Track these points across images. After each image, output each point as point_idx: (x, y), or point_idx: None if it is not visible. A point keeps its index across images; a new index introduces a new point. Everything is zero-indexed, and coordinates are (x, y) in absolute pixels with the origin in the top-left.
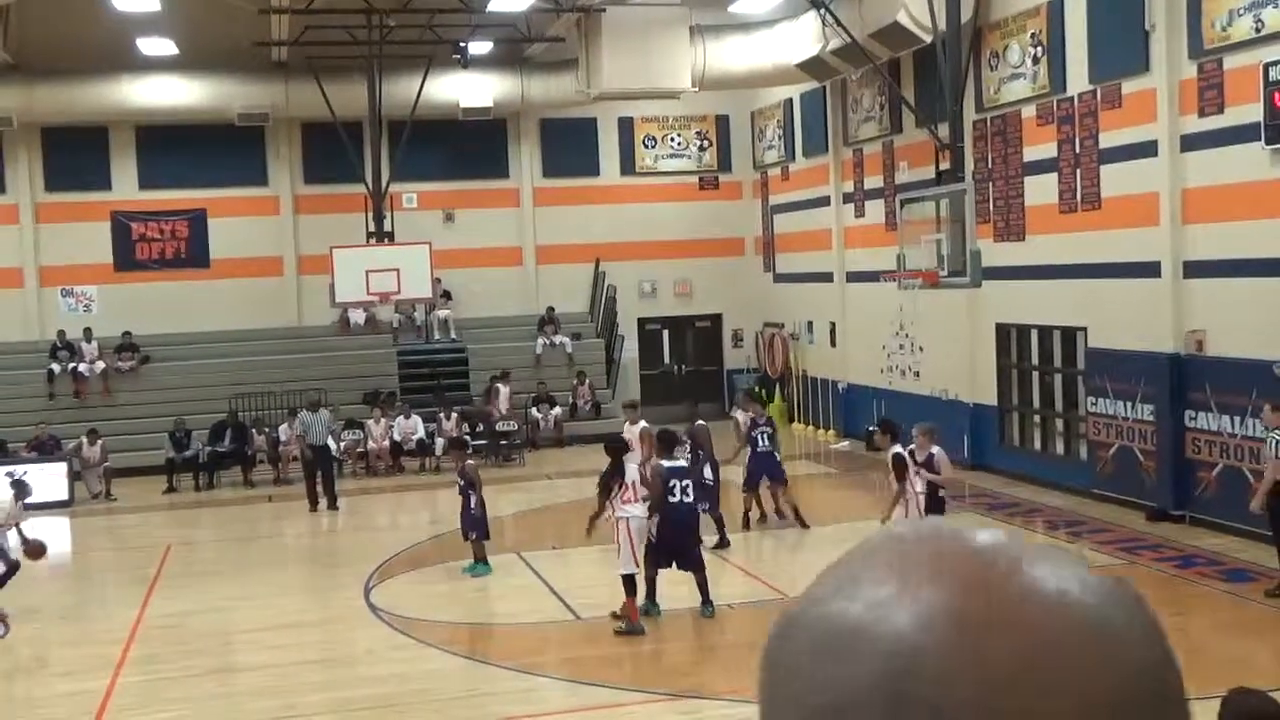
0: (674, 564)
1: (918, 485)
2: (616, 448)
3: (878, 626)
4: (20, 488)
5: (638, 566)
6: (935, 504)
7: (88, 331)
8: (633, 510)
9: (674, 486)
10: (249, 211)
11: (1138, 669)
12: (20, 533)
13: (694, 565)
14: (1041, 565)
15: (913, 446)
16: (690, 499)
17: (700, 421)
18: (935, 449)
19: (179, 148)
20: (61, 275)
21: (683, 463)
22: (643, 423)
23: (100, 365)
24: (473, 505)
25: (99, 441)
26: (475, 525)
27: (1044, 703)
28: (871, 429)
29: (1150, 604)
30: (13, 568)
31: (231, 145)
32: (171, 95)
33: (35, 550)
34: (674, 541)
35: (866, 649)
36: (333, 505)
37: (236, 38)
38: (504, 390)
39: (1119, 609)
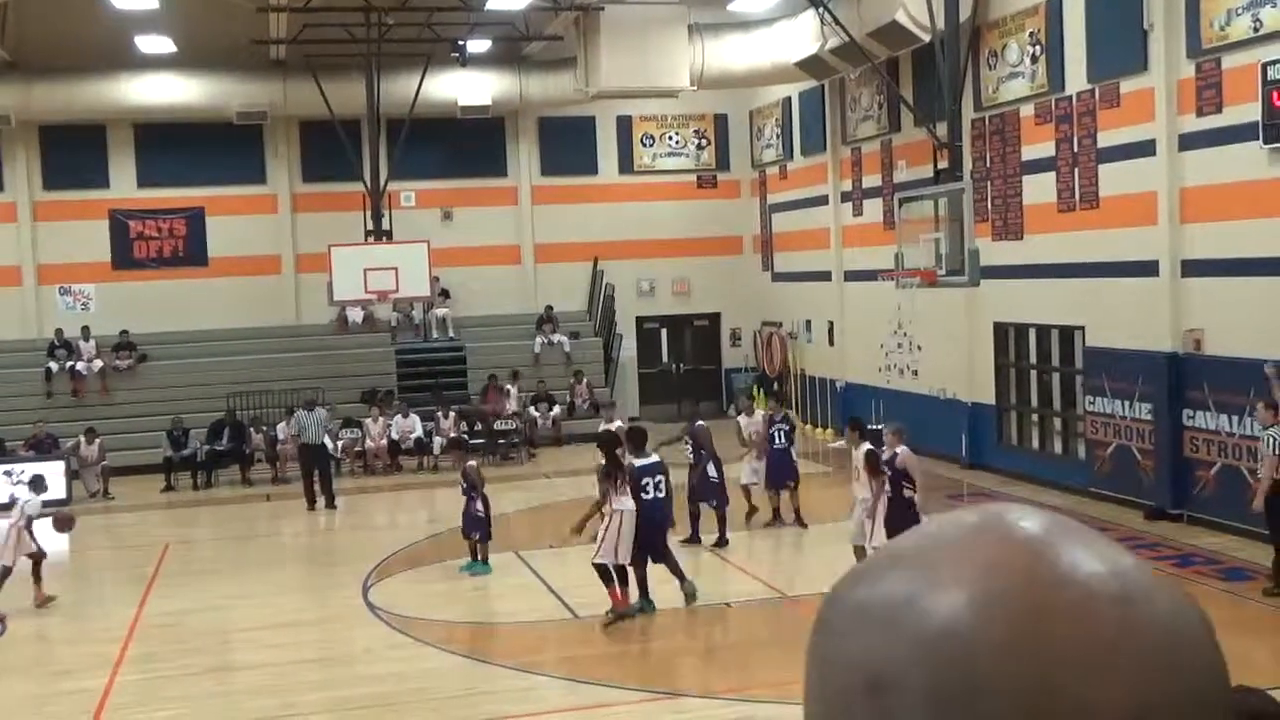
0: (649, 559)
1: (887, 486)
2: (609, 440)
3: (923, 603)
4: (38, 483)
5: (614, 558)
6: (900, 505)
7: (85, 330)
8: (628, 504)
9: (646, 484)
10: (247, 210)
11: (1194, 669)
12: (30, 532)
13: (664, 556)
14: (1103, 559)
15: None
16: (662, 494)
17: (700, 422)
18: (900, 449)
19: (177, 146)
20: (59, 274)
21: (654, 459)
22: (618, 421)
23: (98, 364)
24: (476, 506)
25: (97, 440)
26: (476, 525)
27: (1097, 693)
28: (867, 427)
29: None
30: (3, 572)
31: (229, 144)
32: (170, 93)
33: (63, 521)
34: (648, 537)
35: (911, 625)
36: (330, 504)
37: (235, 36)
38: (513, 391)
39: (1179, 609)
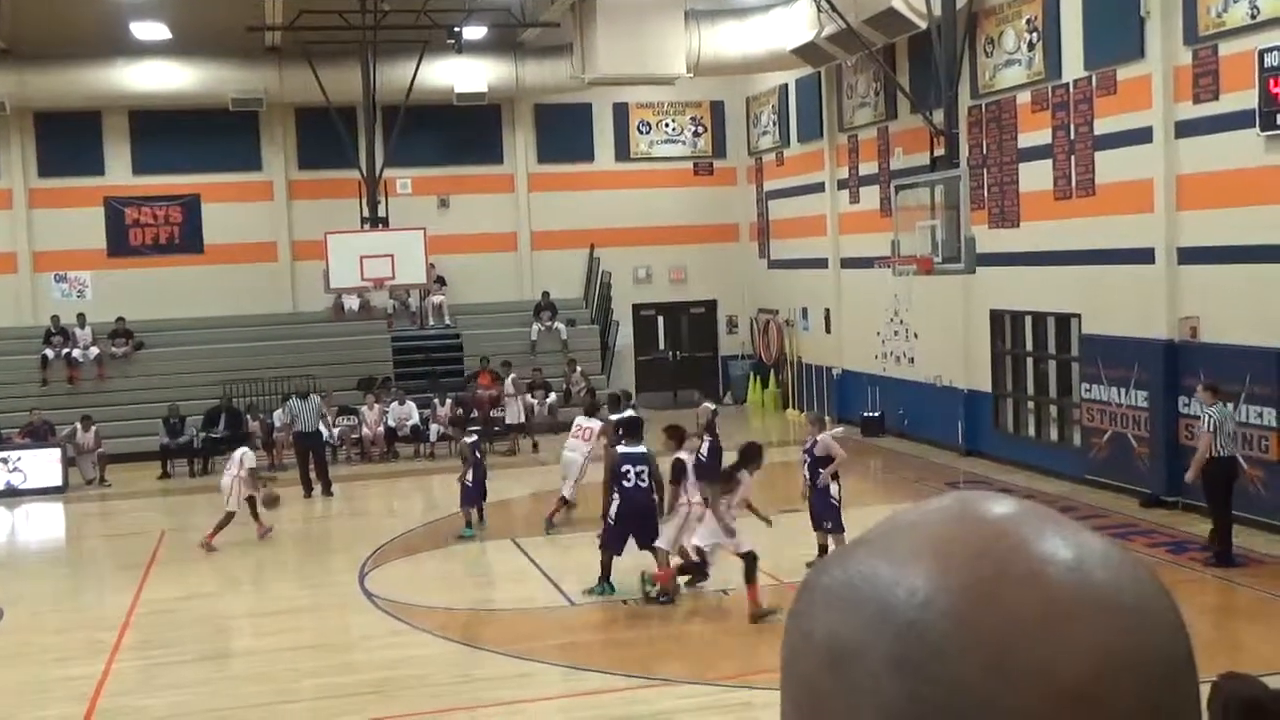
0: (635, 543)
1: (806, 473)
2: (676, 434)
3: (882, 578)
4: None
5: (669, 545)
6: (821, 492)
7: (81, 317)
8: (695, 496)
9: (628, 472)
10: (243, 197)
11: (1153, 634)
12: (249, 479)
13: (650, 538)
14: (1059, 536)
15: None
16: (645, 484)
17: (708, 404)
18: (820, 436)
19: (172, 133)
20: (55, 261)
21: (641, 449)
22: (598, 421)
23: (94, 351)
24: (466, 478)
25: (93, 427)
26: (465, 497)
27: (1056, 653)
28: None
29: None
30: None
31: (225, 130)
32: (165, 80)
33: (271, 500)
34: (631, 524)
35: (870, 598)
36: (327, 491)
37: (230, 22)
38: (507, 380)
39: (1136, 579)
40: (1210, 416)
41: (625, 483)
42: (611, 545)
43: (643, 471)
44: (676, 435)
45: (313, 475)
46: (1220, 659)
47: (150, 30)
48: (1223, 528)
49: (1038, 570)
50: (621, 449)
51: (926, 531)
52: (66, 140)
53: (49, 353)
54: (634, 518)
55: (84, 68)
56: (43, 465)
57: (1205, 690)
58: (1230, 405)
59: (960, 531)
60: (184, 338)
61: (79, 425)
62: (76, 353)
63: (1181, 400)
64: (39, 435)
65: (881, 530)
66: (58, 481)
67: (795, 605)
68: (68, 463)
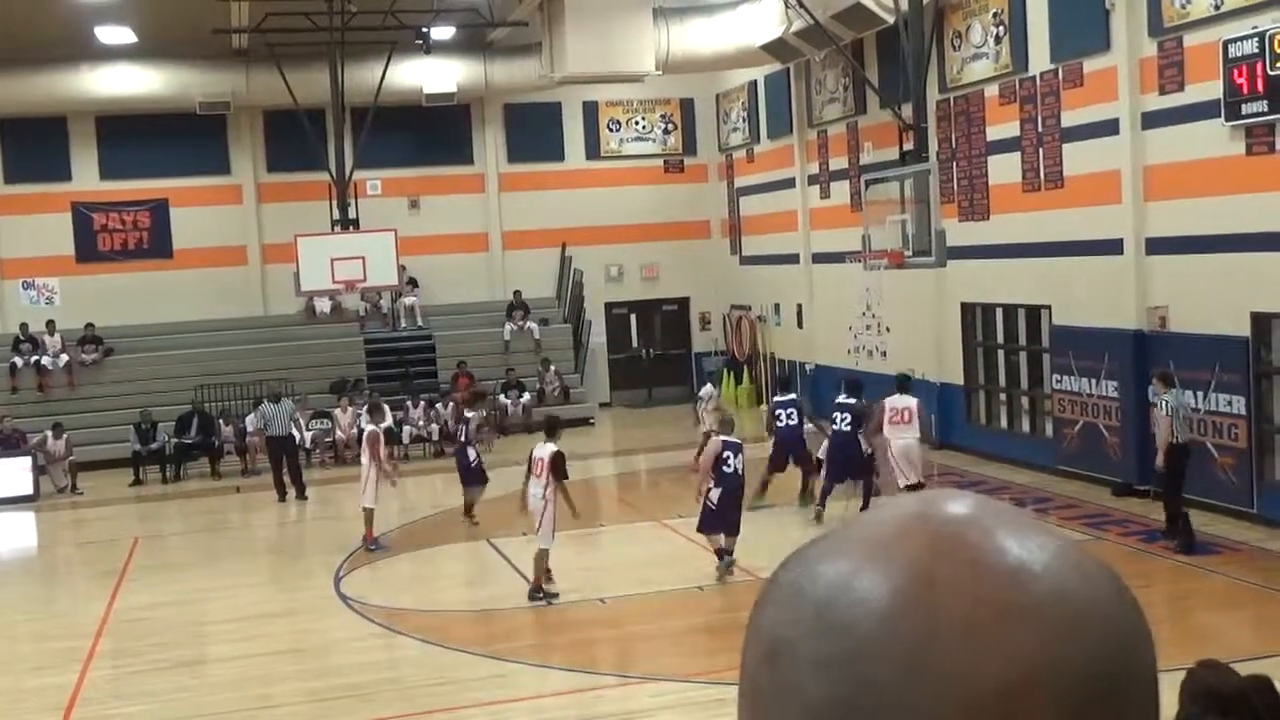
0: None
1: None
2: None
3: (822, 576)
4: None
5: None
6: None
7: (50, 324)
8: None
9: (729, 459)
10: (212, 201)
11: (1086, 648)
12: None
13: (738, 526)
14: (1011, 538)
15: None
16: (742, 471)
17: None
18: (715, 438)
19: (139, 137)
20: (23, 268)
21: (738, 439)
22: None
23: (64, 358)
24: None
25: (64, 435)
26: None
27: (973, 664)
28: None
29: (1122, 579)
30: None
31: (193, 134)
32: (131, 84)
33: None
34: (727, 506)
35: (807, 596)
36: (301, 495)
37: (196, 25)
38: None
39: (1083, 588)
40: (1167, 403)
41: (725, 469)
42: (713, 528)
43: (740, 459)
44: None
45: (286, 479)
46: (1191, 646)
47: (115, 34)
48: (1181, 515)
49: (973, 574)
50: (723, 438)
51: (879, 531)
52: (32, 146)
53: (18, 360)
54: (731, 504)
55: (48, 73)
56: (13, 474)
57: (1179, 677)
58: (1185, 393)
59: (911, 532)
60: (154, 343)
61: (50, 433)
62: (46, 360)
63: (1151, 390)
64: (9, 444)
65: (840, 530)
66: (29, 490)
67: (756, 599)
68: (39, 471)
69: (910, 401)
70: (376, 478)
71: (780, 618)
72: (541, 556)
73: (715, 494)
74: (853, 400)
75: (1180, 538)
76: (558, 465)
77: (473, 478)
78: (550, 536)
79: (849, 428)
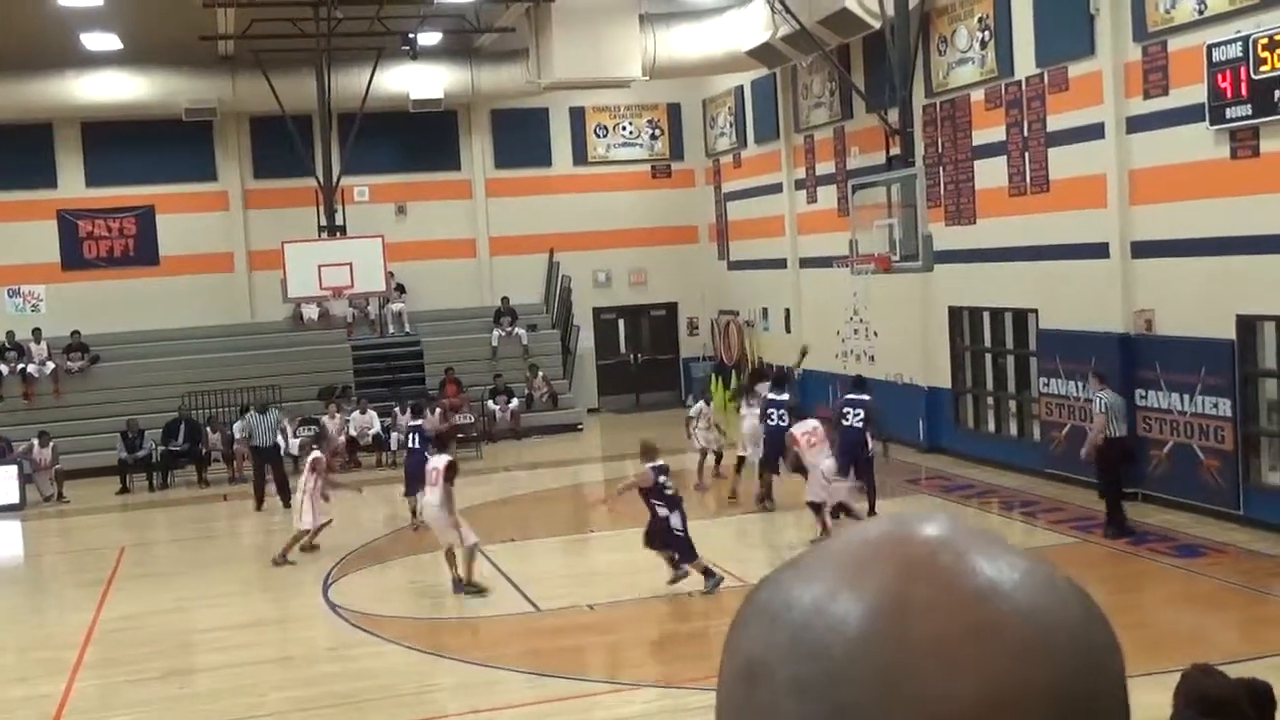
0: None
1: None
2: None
3: (798, 599)
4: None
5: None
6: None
7: (36, 332)
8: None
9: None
10: (198, 207)
11: (1054, 671)
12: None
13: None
14: (982, 560)
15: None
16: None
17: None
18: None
19: (126, 144)
20: (9, 275)
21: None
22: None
23: (50, 366)
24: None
25: (50, 443)
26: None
27: (946, 686)
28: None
29: (1090, 595)
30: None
31: (179, 141)
32: (117, 91)
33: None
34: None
35: (784, 619)
36: (287, 504)
37: (182, 31)
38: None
39: (1053, 610)
40: (1102, 399)
41: (668, 491)
42: (693, 551)
43: (668, 478)
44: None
45: (271, 489)
46: (1180, 649)
47: (101, 41)
48: (1113, 502)
49: (946, 595)
50: (649, 465)
51: (852, 555)
52: (18, 153)
53: (3, 368)
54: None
55: (34, 79)
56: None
57: (1167, 679)
58: (1116, 394)
59: (884, 555)
60: (141, 350)
61: (35, 441)
62: (32, 368)
63: (1139, 393)
64: None
65: (814, 552)
66: (15, 499)
67: (733, 619)
68: (25, 480)
69: (864, 397)
70: (313, 500)
71: (757, 640)
72: (471, 552)
73: (675, 519)
74: (865, 396)
75: (1112, 527)
76: (450, 472)
77: (419, 487)
78: (472, 533)
79: (860, 424)
